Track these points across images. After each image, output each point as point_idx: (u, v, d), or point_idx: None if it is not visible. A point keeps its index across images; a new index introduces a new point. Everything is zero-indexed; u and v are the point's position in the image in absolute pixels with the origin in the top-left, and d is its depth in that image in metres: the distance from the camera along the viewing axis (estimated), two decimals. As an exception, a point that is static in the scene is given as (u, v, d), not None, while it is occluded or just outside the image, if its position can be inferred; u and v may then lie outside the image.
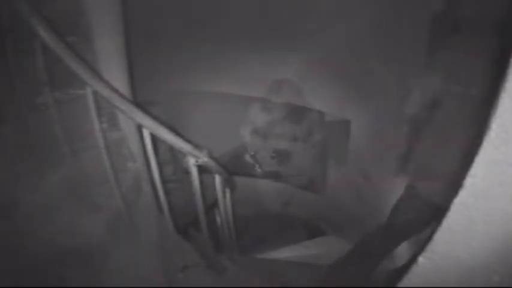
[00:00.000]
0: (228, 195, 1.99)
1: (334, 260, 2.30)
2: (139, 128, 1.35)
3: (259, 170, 3.56)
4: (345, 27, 2.31)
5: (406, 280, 0.67)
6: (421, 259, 0.63)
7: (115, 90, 1.22)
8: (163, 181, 1.49)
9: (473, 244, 0.58)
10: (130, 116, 1.24)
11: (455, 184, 0.55)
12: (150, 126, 1.26)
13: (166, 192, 1.52)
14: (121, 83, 1.67)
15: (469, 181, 0.53)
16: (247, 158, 3.16)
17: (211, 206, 2.01)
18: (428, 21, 2.05)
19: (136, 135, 1.69)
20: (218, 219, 2.04)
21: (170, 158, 2.49)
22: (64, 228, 1.41)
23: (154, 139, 1.33)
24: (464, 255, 0.60)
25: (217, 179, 1.67)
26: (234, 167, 3.80)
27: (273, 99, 2.93)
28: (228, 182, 1.89)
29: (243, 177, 3.39)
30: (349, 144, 2.76)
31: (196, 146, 1.36)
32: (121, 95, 1.23)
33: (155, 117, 1.26)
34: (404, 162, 2.51)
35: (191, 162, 1.37)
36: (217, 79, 2.81)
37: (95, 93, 1.26)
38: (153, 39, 2.60)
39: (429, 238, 0.61)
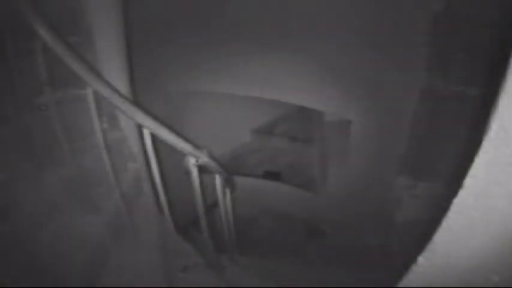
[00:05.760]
0: (228, 195, 2.00)
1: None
2: (140, 128, 1.35)
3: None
4: (345, 28, 2.31)
5: (406, 280, 0.67)
6: (421, 259, 0.63)
7: (115, 90, 1.22)
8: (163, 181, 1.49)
9: (473, 244, 0.58)
10: (130, 116, 1.24)
11: (455, 184, 0.55)
12: (150, 126, 1.26)
13: (166, 192, 1.52)
14: (121, 82, 1.67)
15: (469, 181, 0.53)
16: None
17: (211, 206, 2.01)
18: (428, 21, 2.05)
19: (137, 135, 1.69)
20: (218, 219, 2.04)
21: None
22: (64, 228, 1.41)
23: (155, 139, 1.33)
24: (464, 255, 0.60)
25: (217, 179, 1.67)
26: (234, 167, 3.81)
27: (273, 99, 2.93)
28: (228, 182, 1.89)
29: (243, 177, 3.39)
30: (350, 144, 2.76)
31: (196, 146, 1.36)
32: (121, 95, 1.23)
33: (155, 117, 1.26)
34: (404, 162, 2.51)
35: (191, 162, 1.37)
36: (218, 79, 2.81)
37: (96, 93, 1.26)
38: (153, 40, 2.61)
39: (429, 238, 0.61)
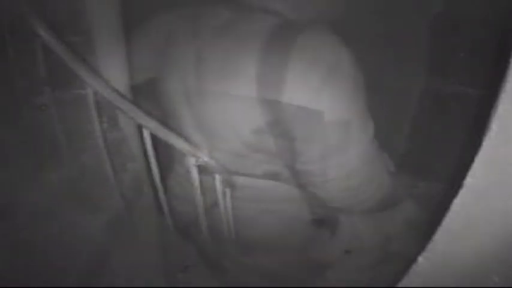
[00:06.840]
0: (228, 195, 1.99)
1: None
2: (140, 128, 1.35)
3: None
4: (345, 28, 2.31)
5: (406, 280, 0.67)
6: (421, 259, 0.63)
7: (115, 90, 1.22)
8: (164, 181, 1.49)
9: (473, 244, 0.58)
10: (130, 116, 1.24)
11: (455, 184, 0.55)
12: (150, 126, 1.26)
13: (166, 192, 1.52)
14: (121, 83, 1.67)
15: (469, 181, 0.53)
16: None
17: (211, 206, 2.01)
18: (428, 21, 2.05)
19: (137, 135, 1.69)
20: (218, 219, 2.04)
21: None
22: (64, 228, 1.41)
23: (155, 139, 1.33)
24: (464, 255, 0.60)
25: (217, 179, 1.67)
26: (234, 167, 3.79)
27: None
28: (228, 182, 1.89)
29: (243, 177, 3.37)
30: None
31: (196, 146, 1.36)
32: (121, 95, 1.23)
33: (155, 117, 1.26)
34: (404, 162, 2.51)
35: (191, 162, 1.37)
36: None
37: (96, 93, 1.26)
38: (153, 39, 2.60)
39: (429, 238, 0.61)
